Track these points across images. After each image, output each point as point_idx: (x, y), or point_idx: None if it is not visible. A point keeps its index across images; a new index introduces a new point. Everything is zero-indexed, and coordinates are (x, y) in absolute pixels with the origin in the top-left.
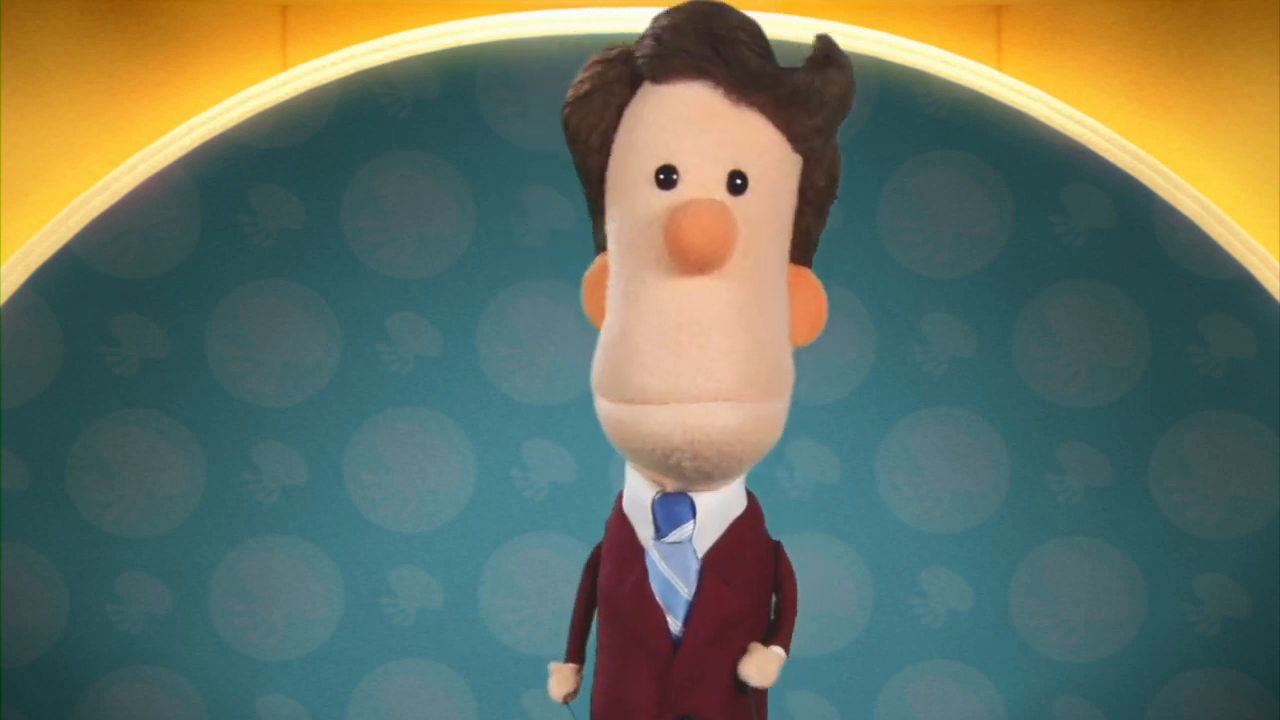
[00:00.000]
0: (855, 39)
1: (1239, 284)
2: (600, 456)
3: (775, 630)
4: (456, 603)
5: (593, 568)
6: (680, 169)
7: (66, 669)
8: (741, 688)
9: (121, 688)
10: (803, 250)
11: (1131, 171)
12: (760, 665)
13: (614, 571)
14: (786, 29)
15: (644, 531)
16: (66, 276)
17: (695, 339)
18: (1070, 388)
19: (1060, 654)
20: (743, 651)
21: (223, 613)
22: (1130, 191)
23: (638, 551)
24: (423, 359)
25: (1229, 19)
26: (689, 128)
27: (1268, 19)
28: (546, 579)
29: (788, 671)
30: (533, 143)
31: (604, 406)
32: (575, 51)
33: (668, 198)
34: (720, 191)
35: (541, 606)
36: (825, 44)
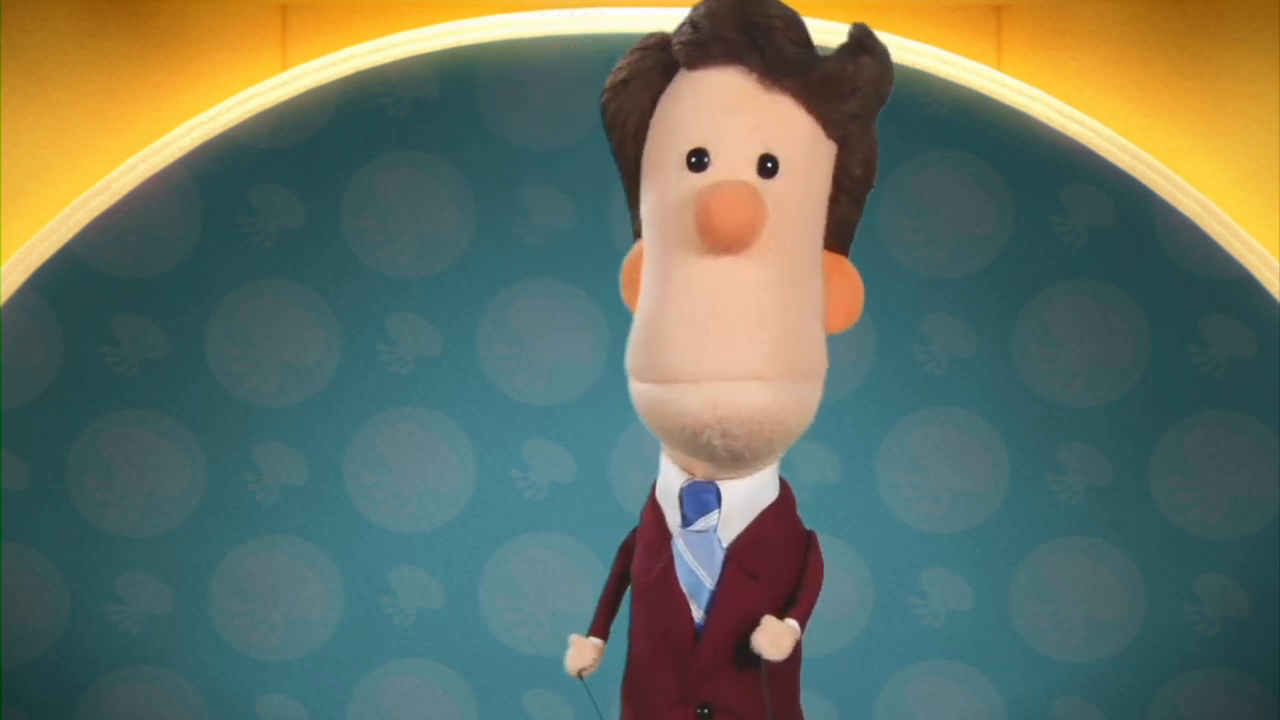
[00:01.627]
0: None
1: (1239, 284)
2: (600, 456)
3: (791, 604)
4: (456, 603)
5: (626, 550)
6: (711, 152)
7: (66, 669)
8: (755, 661)
9: (121, 688)
10: (839, 238)
11: (1131, 171)
12: (774, 638)
13: (643, 558)
14: None
15: (672, 519)
16: (66, 276)
17: (724, 319)
18: (1070, 388)
19: (1060, 654)
20: None
21: (223, 613)
22: (1130, 191)
23: (665, 539)
24: (423, 359)
25: (1229, 19)
26: (721, 112)
27: (1268, 19)
28: (546, 579)
29: None
30: (533, 143)
31: (636, 387)
32: (576, 52)
33: (698, 180)
34: (750, 174)
35: (541, 606)
36: (859, 31)
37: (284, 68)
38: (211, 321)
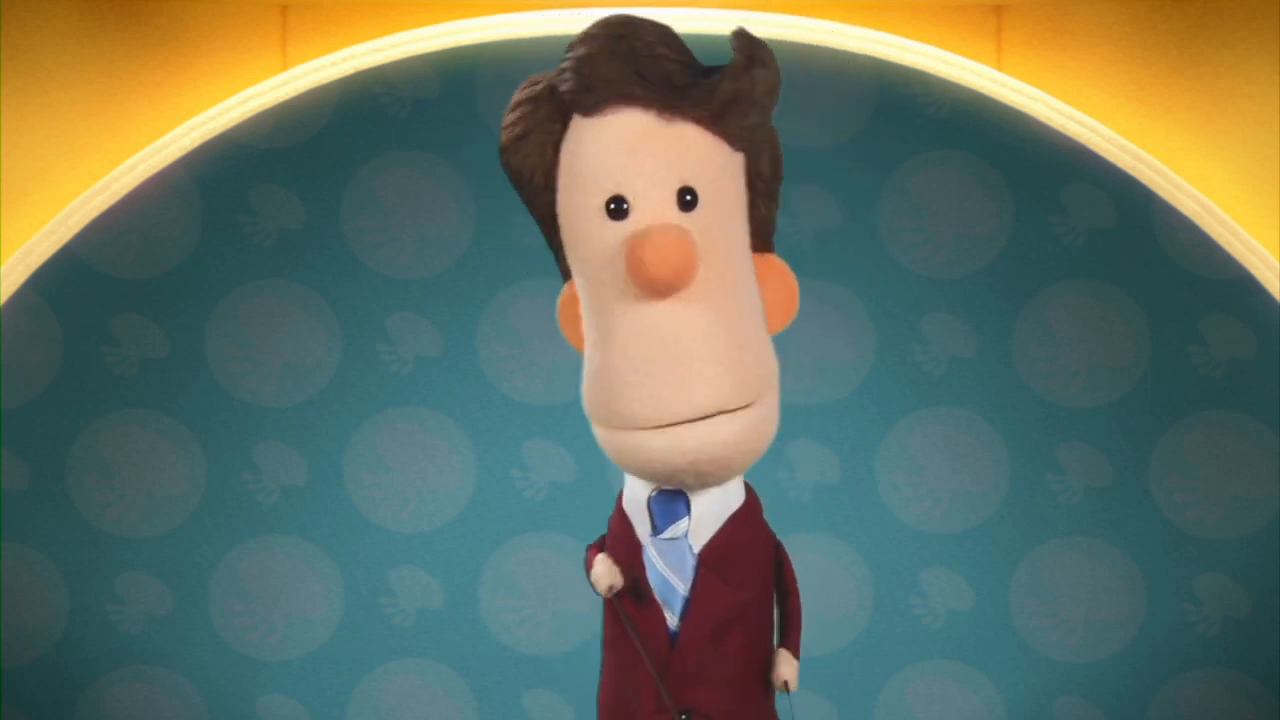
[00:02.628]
0: (855, 39)
1: (1239, 284)
2: (600, 456)
3: (785, 636)
4: (456, 603)
5: (593, 553)
6: (629, 197)
7: (66, 669)
8: (731, 666)
9: (121, 688)
10: (762, 237)
11: (1131, 171)
12: (792, 672)
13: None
14: (787, 29)
15: (641, 528)
16: (66, 276)
17: (677, 362)
18: (1070, 388)
19: (1060, 654)
20: (741, 646)
21: (223, 613)
22: (1130, 191)
23: (636, 548)
24: (423, 359)
25: (1229, 19)
26: (629, 156)
27: (1268, 19)
28: (546, 579)
29: None
30: None
31: (600, 433)
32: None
33: (622, 228)
34: (672, 211)
35: (541, 606)
36: (745, 45)
37: (284, 68)
38: (211, 321)
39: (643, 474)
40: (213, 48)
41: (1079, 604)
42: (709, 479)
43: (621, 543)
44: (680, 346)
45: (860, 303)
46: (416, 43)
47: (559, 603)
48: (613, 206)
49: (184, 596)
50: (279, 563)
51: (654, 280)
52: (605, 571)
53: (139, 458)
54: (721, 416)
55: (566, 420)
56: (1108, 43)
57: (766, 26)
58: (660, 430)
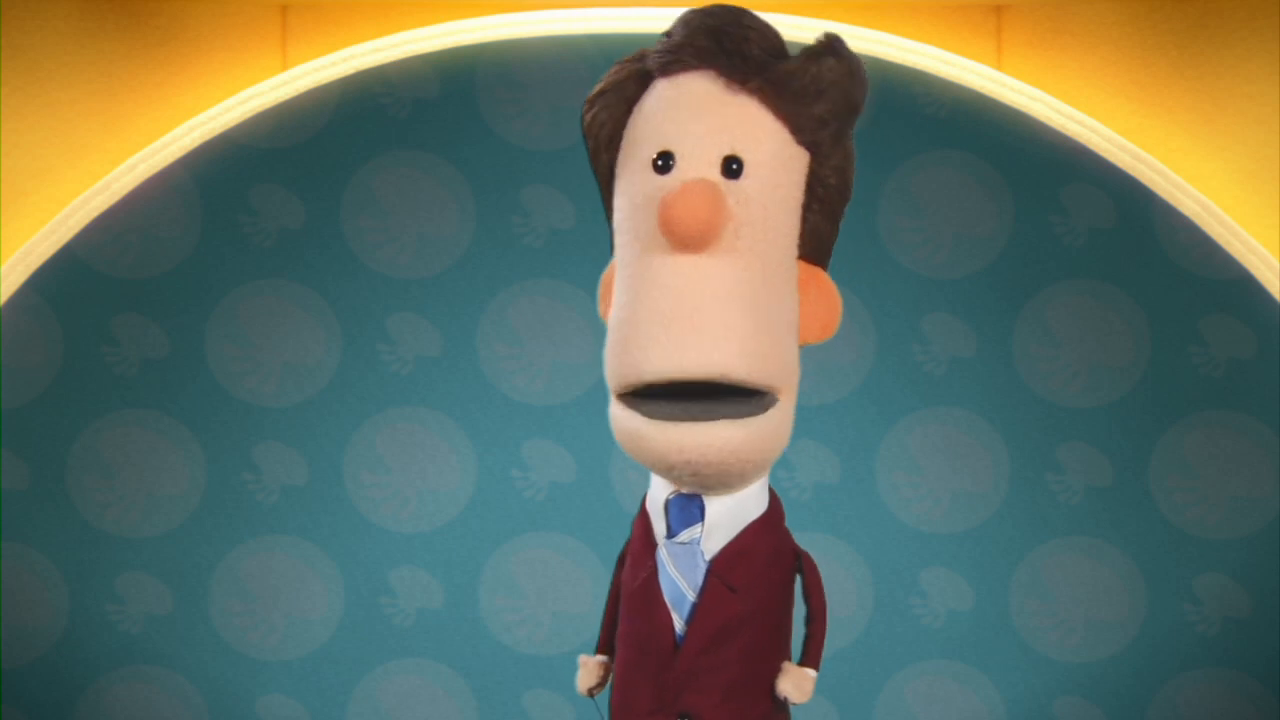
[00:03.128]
0: (855, 39)
1: (1239, 284)
2: (600, 456)
3: (806, 649)
4: (456, 603)
5: (621, 560)
6: (677, 154)
7: (66, 669)
8: (732, 672)
9: (121, 688)
10: (813, 249)
11: (1131, 171)
12: (797, 683)
13: (630, 567)
14: (787, 29)
15: (659, 530)
16: (66, 276)
17: (692, 315)
18: (1070, 388)
19: (1060, 654)
20: (744, 655)
21: (223, 613)
22: (1130, 191)
23: (651, 549)
24: (423, 359)
25: (1229, 19)
26: (688, 115)
27: (1268, 19)
28: (546, 579)
29: None
30: (533, 143)
31: (613, 410)
32: (575, 52)
33: (664, 181)
34: (714, 175)
35: (541, 606)
36: (828, 38)
37: (284, 68)
38: (211, 321)
39: (642, 461)
40: (213, 48)
41: (1079, 604)
42: (707, 481)
43: (638, 542)
44: (696, 300)
45: (860, 303)
46: (416, 43)
47: (559, 603)
48: (659, 161)
49: (184, 596)
50: (279, 563)
51: (678, 227)
52: (584, 675)
53: (139, 458)
54: (725, 421)
55: (566, 420)
56: (1108, 43)
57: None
58: (665, 424)
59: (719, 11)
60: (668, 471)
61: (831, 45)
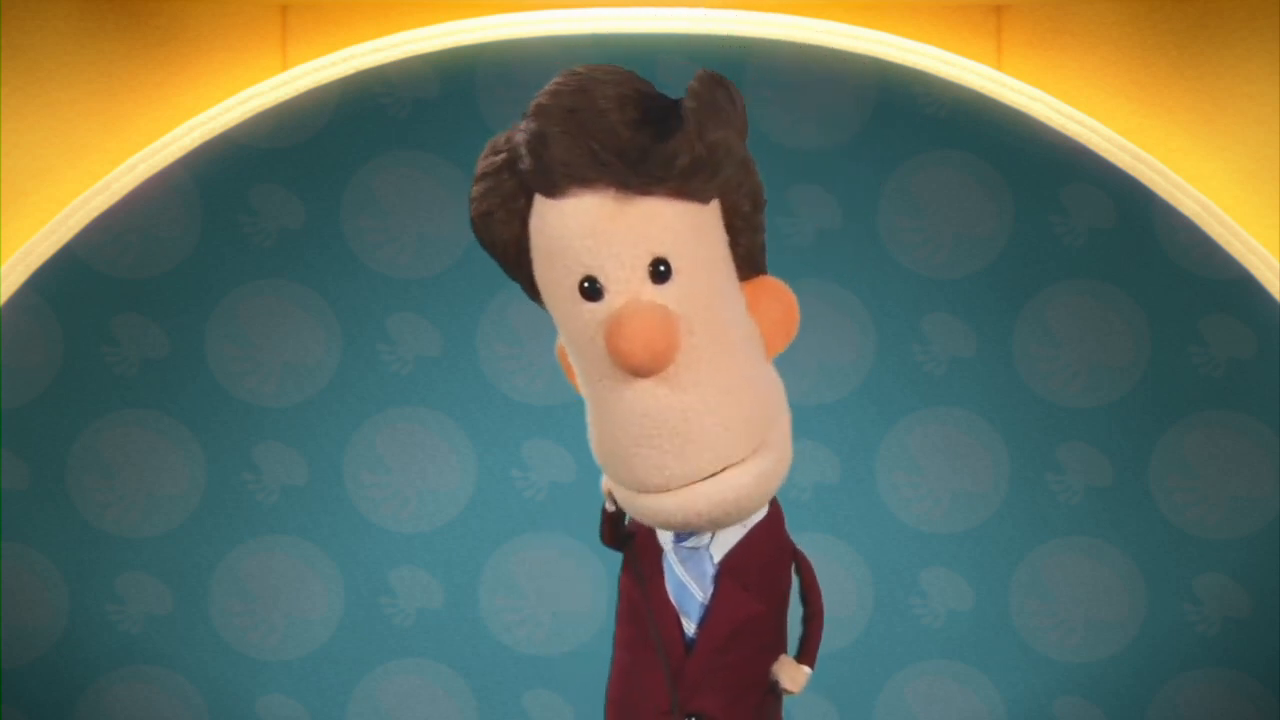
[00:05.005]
0: (855, 39)
1: (1239, 284)
2: None
3: (803, 647)
4: (456, 603)
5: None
6: (601, 277)
7: (66, 669)
8: (744, 674)
9: (121, 688)
10: (751, 264)
11: (1131, 171)
12: (791, 674)
13: (634, 571)
14: (787, 29)
15: (664, 534)
16: (66, 276)
17: (675, 433)
18: (1070, 388)
19: (1060, 654)
20: (754, 653)
21: (223, 613)
22: (1130, 191)
23: (657, 553)
24: (423, 359)
25: (1229, 19)
26: (594, 238)
27: (1268, 19)
28: (546, 579)
29: None
30: None
31: (611, 483)
32: (575, 52)
33: (598, 309)
34: (646, 287)
35: (541, 606)
36: (697, 107)
37: (284, 68)
38: (211, 321)
39: (654, 525)
40: (213, 48)
41: (1079, 604)
42: (728, 522)
43: (646, 548)
44: (676, 418)
45: (860, 303)
46: (416, 43)
47: (559, 603)
48: (586, 286)
49: (184, 596)
50: (279, 563)
51: (636, 367)
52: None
53: (139, 458)
54: (729, 470)
55: (566, 420)
56: (1108, 43)
57: (767, 26)
58: (671, 492)
59: (571, 105)
60: (685, 528)
61: (707, 118)
